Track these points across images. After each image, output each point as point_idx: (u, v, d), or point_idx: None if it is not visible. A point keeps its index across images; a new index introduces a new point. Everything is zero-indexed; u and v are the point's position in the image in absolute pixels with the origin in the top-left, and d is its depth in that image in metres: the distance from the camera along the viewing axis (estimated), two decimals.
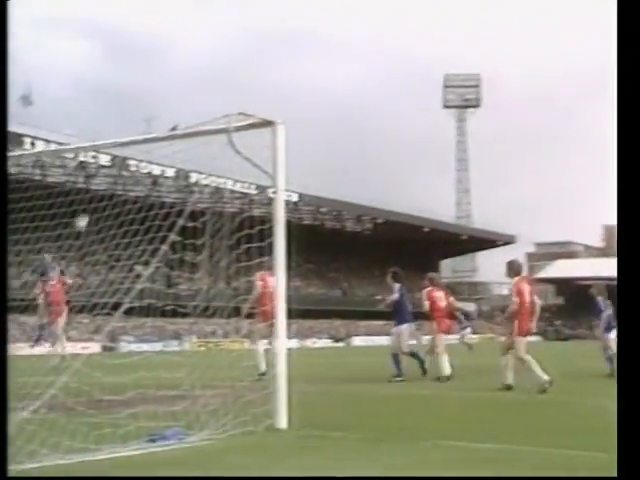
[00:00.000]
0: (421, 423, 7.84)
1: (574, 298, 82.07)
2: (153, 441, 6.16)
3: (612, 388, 9.73)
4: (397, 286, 14.02)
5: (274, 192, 7.41)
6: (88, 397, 8.20)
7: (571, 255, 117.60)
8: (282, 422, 7.11)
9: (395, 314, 13.97)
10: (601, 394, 9.90)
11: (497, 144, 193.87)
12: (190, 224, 7.39)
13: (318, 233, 76.21)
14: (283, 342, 7.33)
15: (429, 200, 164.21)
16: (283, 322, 7.27)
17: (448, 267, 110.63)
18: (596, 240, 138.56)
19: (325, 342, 57.77)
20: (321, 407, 9.37)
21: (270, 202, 7.38)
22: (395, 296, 13.90)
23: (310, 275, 77.38)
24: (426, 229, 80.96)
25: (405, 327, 13.88)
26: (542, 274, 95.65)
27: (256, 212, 58.59)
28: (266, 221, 7.47)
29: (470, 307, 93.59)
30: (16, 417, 5.85)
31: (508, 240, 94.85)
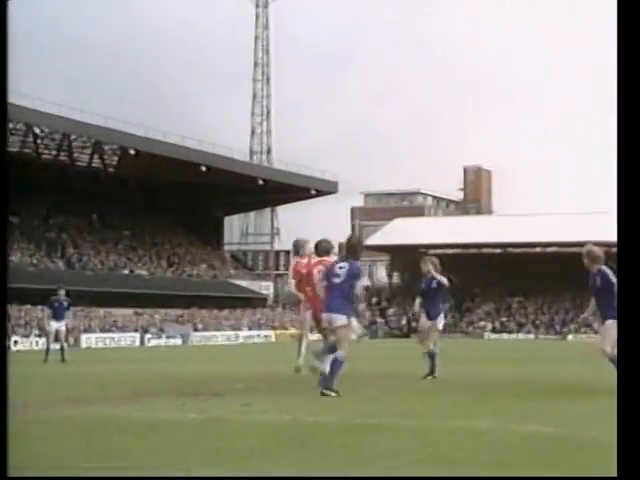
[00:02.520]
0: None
1: (418, 275, 79.04)
2: None
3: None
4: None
5: None
6: None
7: (415, 211, 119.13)
8: None
9: None
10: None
11: (312, 43, 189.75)
12: None
13: (28, 169, 75.96)
14: None
15: (209, 124, 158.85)
16: None
17: (234, 226, 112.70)
18: (451, 189, 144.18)
19: (35, 340, 55.87)
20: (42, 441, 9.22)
21: None
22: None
23: (14, 237, 73.64)
24: (203, 168, 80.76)
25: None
26: (373, 240, 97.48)
27: None
28: None
29: (268, 289, 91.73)
30: None
31: (326, 188, 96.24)
